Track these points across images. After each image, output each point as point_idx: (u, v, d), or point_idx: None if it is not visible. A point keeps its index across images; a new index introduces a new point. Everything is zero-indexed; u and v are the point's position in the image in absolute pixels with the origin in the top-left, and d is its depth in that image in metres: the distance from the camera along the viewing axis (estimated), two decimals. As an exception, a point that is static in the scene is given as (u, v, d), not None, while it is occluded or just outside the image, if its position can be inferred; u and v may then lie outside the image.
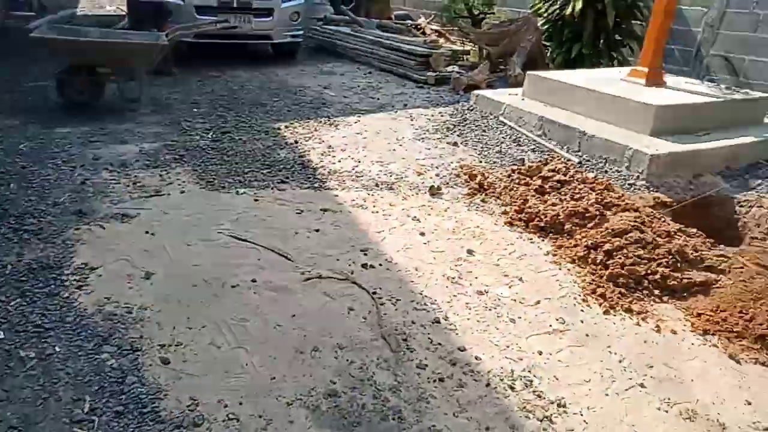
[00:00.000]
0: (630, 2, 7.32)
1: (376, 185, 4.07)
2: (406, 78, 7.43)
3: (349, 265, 3.09)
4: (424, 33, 10.68)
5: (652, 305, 3.07)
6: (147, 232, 3.29)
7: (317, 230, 3.41)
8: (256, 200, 3.76)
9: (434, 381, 2.39)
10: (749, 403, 2.44)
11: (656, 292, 3.15)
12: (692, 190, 4.19)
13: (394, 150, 4.75)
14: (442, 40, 9.95)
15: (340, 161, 4.46)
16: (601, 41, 7.44)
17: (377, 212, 3.69)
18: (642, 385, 2.50)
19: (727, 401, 2.45)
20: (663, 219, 3.65)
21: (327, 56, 8.87)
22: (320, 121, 5.44)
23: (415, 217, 3.68)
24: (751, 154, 4.64)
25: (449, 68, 7.62)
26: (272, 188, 3.94)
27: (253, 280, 2.89)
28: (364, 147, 4.76)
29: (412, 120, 5.57)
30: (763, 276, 3.18)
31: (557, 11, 7.60)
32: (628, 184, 4.14)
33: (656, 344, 2.77)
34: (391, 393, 2.29)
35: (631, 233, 3.40)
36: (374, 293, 2.87)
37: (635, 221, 3.50)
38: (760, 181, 4.33)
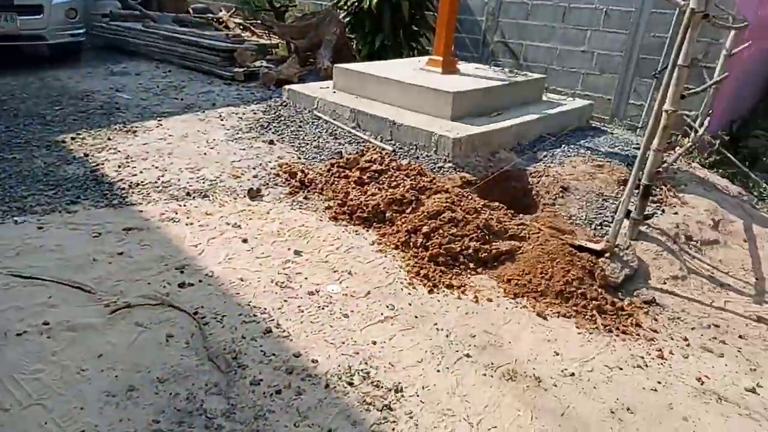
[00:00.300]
0: (422, -5, 7.79)
1: (188, 194, 3.76)
2: (211, 75, 7.03)
3: (164, 287, 2.80)
4: (227, 27, 10.23)
5: (469, 278, 3.29)
6: None
7: (120, 253, 3.03)
8: (40, 228, 3.22)
9: (271, 395, 2.27)
10: (557, 354, 2.75)
11: (471, 265, 3.39)
12: (492, 166, 4.59)
13: (205, 154, 4.43)
14: (247, 34, 9.63)
15: (142, 172, 4.03)
16: (401, 32, 7.81)
17: (192, 224, 3.40)
18: (468, 355, 2.66)
19: (539, 356, 2.72)
20: (470, 197, 3.93)
21: (118, 56, 8.01)
22: (114, 129, 4.86)
23: (235, 223, 3.48)
24: (536, 129, 5.24)
25: (257, 63, 7.38)
26: (60, 211, 3.41)
27: (45, 323, 2.47)
28: (169, 153, 4.36)
29: (222, 120, 5.26)
30: (556, 237, 3.60)
31: (356, 4, 7.79)
32: (438, 167, 4.38)
33: (476, 314, 2.97)
34: (225, 418, 2.13)
35: (444, 214, 3.60)
36: (195, 313, 2.64)
37: (446, 202, 3.72)
38: (545, 153, 4.91)
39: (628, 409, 2.44)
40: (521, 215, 3.99)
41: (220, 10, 11.39)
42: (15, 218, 3.29)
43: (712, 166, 5.53)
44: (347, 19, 8.02)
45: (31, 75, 6.51)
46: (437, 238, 3.44)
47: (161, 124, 4.97)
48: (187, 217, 3.46)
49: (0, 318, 2.47)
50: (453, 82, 5.23)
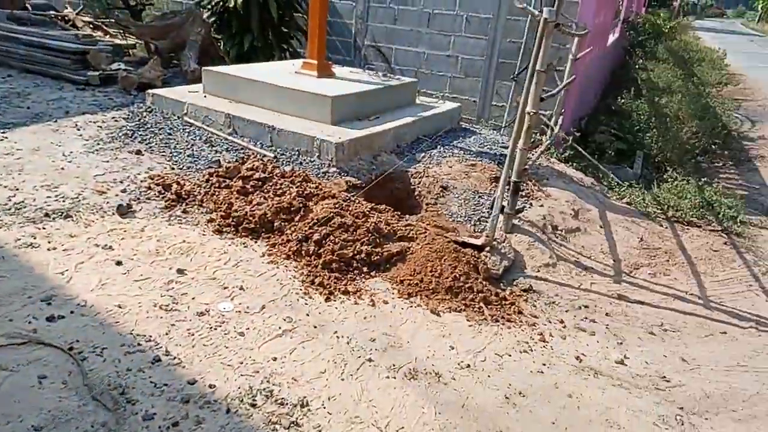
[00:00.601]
0: (289, -4, 7.68)
1: (47, 215, 3.34)
2: (61, 80, 6.33)
3: (29, 322, 2.47)
4: (74, 26, 9.29)
5: (364, 282, 3.32)
6: None
7: (-30, 289, 2.63)
8: None
9: (167, 428, 2.12)
10: (452, 348, 2.87)
11: (365, 269, 3.42)
12: (375, 169, 4.67)
13: (62, 169, 3.97)
14: (99, 34, 8.82)
15: (-13, 193, 3.52)
16: (270, 33, 7.64)
17: (55, 249, 3.04)
18: (370, 360, 2.68)
19: (437, 351, 2.83)
20: (358, 201, 3.97)
21: (-60, 57, 6.91)
22: (-55, 144, 4.20)
23: (105, 245, 3.16)
24: (413, 131, 5.42)
25: (114, 66, 6.78)
26: None
27: None
28: (19, 170, 3.85)
29: (79, 129, 4.75)
30: (441, 236, 3.75)
31: (221, 3, 7.49)
32: (322, 173, 4.36)
33: (374, 318, 3.01)
34: (119, 463, 1.94)
35: (334, 219, 3.60)
36: (71, 349, 2.37)
37: (335, 207, 3.72)
38: (423, 154, 5.09)
39: (520, 393, 2.62)
40: (407, 216, 4.11)
41: (65, 7, 10.31)
42: None
43: (567, 161, 6.12)
44: (212, 19, 7.67)
45: None
46: (329, 245, 3.42)
47: (5, 137, 4.37)
48: (49, 242, 3.09)
49: None
50: (331, 86, 5.24)
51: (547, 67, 3.85)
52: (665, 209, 5.15)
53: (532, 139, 4.97)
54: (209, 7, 7.65)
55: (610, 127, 7.68)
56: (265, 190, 3.94)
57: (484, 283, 3.45)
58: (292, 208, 3.71)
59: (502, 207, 3.93)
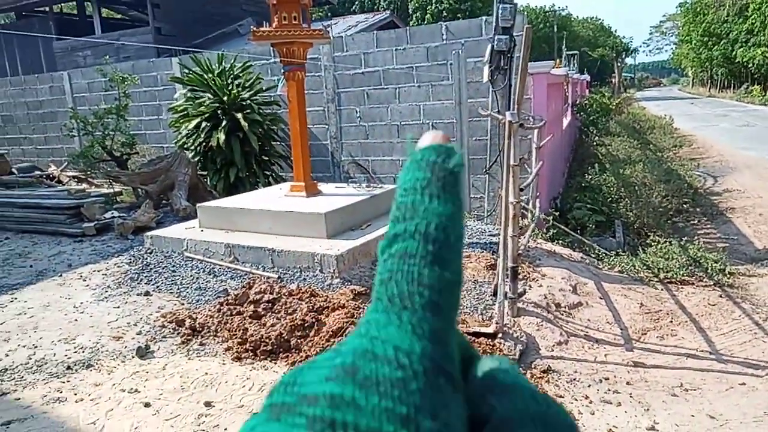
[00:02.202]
0: (266, 129, 8.23)
1: (69, 368, 3.38)
2: (58, 235, 6.54)
3: (69, 479, 2.46)
4: (60, 182, 9.69)
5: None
6: None
7: (7, 454, 2.62)
8: None
9: None
10: None
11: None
12: (375, 274, 4.82)
13: (76, 320, 4.05)
14: (85, 186, 9.20)
15: (7, 355, 3.55)
16: (253, 163, 8.09)
17: (82, 400, 3.06)
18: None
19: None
20: (365, 307, 4.09)
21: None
22: (-43, 314, 4.26)
23: (131, 389, 3.19)
24: (404, 234, 5.66)
25: (108, 214, 7.05)
26: None
27: None
28: (34, 328, 3.92)
29: (85, 280, 4.88)
30: (453, 329, 3.85)
31: (204, 144, 7.97)
32: (327, 285, 4.51)
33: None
34: None
35: (349, 329, 3.70)
36: (115, 500, 2.35)
37: (347, 317, 3.83)
38: (417, 253, 5.30)
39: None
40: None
41: (49, 166, 10.81)
42: None
43: (553, 239, 6.39)
44: (197, 158, 8.13)
45: None
46: (348, 355, 3.49)
47: (15, 298, 4.47)
48: (75, 394, 3.11)
49: None
50: (321, 204, 5.53)
51: (520, 161, 4.21)
52: (656, 272, 5.36)
53: (521, 226, 5.26)
54: (192, 148, 8.13)
55: (585, 202, 8.09)
56: (276, 311, 4.06)
57: (503, 369, 3.51)
58: (306, 324, 3.81)
59: (505, 293, 4.09)
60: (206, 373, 3.42)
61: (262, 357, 3.62)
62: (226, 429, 2.90)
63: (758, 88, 37.03)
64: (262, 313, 4.04)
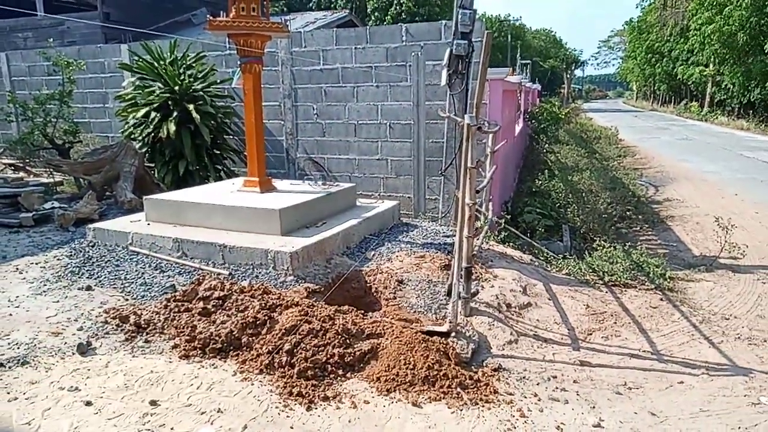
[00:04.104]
0: (219, 122, 8.03)
1: (1, 365, 3.17)
2: (-9, 225, 6.15)
3: (0, 483, 2.31)
4: (-5, 169, 9.14)
5: (341, 385, 3.33)
6: None
7: (-71, 456, 2.43)
8: None
9: None
10: (440, 437, 2.90)
11: (340, 371, 3.44)
12: (330, 272, 4.79)
13: (11, 315, 3.80)
14: (22, 174, 8.71)
15: (-68, 350, 3.31)
16: (204, 157, 7.87)
17: (16, 399, 2.87)
18: (363, 463, 2.66)
19: (426, 443, 2.84)
20: (320, 305, 4.04)
21: None
22: None
23: (71, 386, 3.03)
24: (359, 232, 5.66)
25: (47, 205, 6.69)
26: None
27: None
28: (-37, 322, 3.67)
29: (21, 273, 4.60)
30: (407, 328, 3.86)
31: (152, 134, 7.70)
32: (280, 282, 4.43)
33: (359, 419, 3.01)
34: None
35: (302, 327, 3.64)
36: (51, 504, 2.22)
37: (300, 314, 3.77)
38: (372, 252, 5.29)
39: (514, 470, 2.67)
40: (370, 313, 4.21)
41: (-17, 152, 10.18)
42: None
43: (504, 242, 6.52)
44: (144, 149, 7.84)
45: None
46: (301, 353, 3.44)
47: (-59, 290, 4.17)
48: (8, 392, 2.92)
49: None
50: (275, 200, 5.44)
51: (477, 163, 4.26)
52: (601, 275, 5.56)
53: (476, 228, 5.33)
54: (140, 138, 7.84)
55: (535, 207, 8.31)
56: (227, 308, 3.95)
57: (456, 368, 3.54)
58: (258, 322, 3.73)
59: (459, 293, 4.13)
60: (152, 371, 3.29)
61: (211, 355, 3.52)
62: (172, 428, 2.79)
63: (696, 105, 39.13)
64: (212, 310, 3.93)
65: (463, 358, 3.70)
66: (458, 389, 3.34)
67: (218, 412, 2.96)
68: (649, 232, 8.30)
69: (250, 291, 4.12)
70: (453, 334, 3.85)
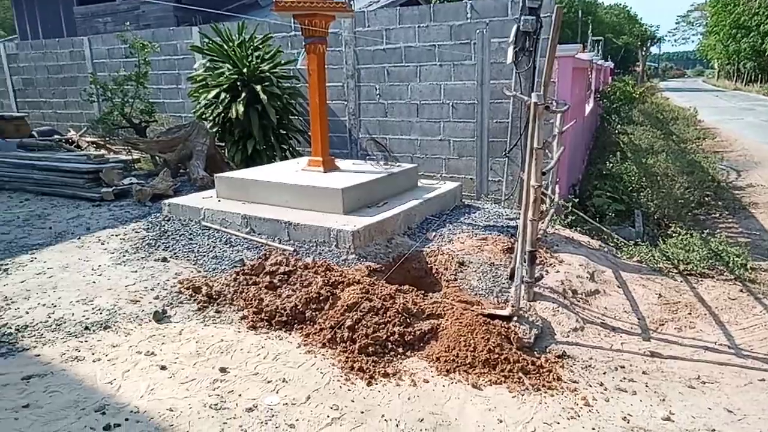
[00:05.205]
0: (285, 102, 8.18)
1: (87, 328, 3.42)
2: (76, 198, 6.58)
3: (87, 435, 2.49)
4: (78, 147, 9.74)
5: (401, 363, 3.36)
6: None
7: (26, 406, 2.66)
8: None
9: None
10: (501, 421, 2.88)
11: (400, 350, 3.47)
12: (391, 252, 4.81)
13: (94, 282, 4.09)
14: (103, 152, 9.25)
15: (27, 312, 3.60)
16: (271, 137, 8.06)
17: (100, 360, 3.09)
18: (425, 440, 2.68)
19: (486, 426, 2.83)
20: (381, 284, 4.08)
21: (-43, 189, 7.20)
22: (-22, 270, 4.31)
23: (148, 351, 3.22)
24: (421, 213, 5.64)
25: (126, 180, 7.08)
26: (-66, 373, 2.91)
27: None
28: (54, 288, 3.96)
29: (103, 244, 4.92)
30: (468, 310, 3.84)
31: (222, 114, 7.95)
32: (342, 260, 4.50)
33: (418, 398, 3.03)
34: None
35: (363, 304, 3.69)
36: (131, 458, 2.38)
37: (361, 292, 3.82)
38: (434, 233, 5.27)
39: (577, 458, 2.61)
40: (431, 294, 4.20)
41: (68, 131, 10.86)
42: None
43: (571, 226, 6.32)
44: (215, 129, 8.12)
45: None
46: (362, 329, 3.49)
47: (35, 257, 4.51)
48: (93, 353, 3.14)
49: None
50: (338, 179, 5.50)
51: (543, 144, 4.13)
52: (676, 264, 5.28)
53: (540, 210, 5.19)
54: (211, 118, 8.12)
55: (605, 190, 7.98)
56: (292, 283, 4.06)
57: (518, 352, 3.49)
58: (321, 298, 3.81)
59: (522, 277, 4.04)
60: (222, 340, 3.44)
61: (277, 327, 3.64)
62: (240, 395, 2.92)
63: (786, 84, 36.15)
64: (278, 284, 4.05)
65: (525, 343, 3.63)
66: (520, 374, 3.29)
67: (283, 381, 3.06)
68: (730, 220, 7.80)
69: (313, 267, 4.21)
70: (515, 318, 3.79)
